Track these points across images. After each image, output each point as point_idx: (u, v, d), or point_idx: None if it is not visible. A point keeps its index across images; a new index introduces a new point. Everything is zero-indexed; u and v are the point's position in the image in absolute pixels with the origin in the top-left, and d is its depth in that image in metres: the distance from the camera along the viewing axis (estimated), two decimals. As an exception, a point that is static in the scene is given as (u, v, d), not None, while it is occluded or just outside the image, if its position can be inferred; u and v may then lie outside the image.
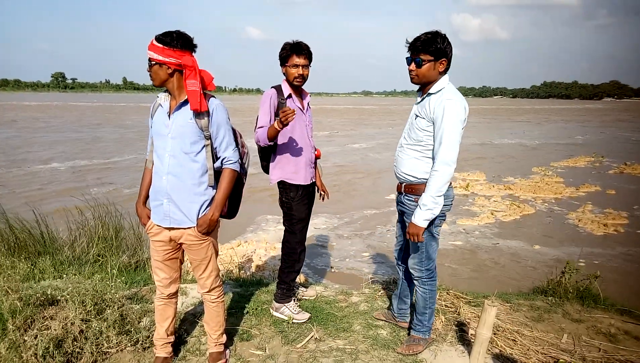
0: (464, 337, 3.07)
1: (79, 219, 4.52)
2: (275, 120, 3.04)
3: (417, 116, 2.64)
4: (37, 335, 2.59)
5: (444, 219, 2.74)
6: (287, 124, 2.80)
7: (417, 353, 2.86)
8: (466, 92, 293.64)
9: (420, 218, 2.54)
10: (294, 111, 2.73)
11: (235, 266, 5.04)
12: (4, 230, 4.18)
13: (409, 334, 3.05)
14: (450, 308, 3.52)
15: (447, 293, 3.75)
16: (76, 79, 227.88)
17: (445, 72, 2.57)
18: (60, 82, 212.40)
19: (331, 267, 5.81)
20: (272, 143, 3.05)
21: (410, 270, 2.89)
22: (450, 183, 2.65)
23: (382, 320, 3.31)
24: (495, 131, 29.69)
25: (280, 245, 3.34)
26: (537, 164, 15.14)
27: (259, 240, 6.77)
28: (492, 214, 8.59)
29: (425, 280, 2.84)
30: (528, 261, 6.29)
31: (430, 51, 2.49)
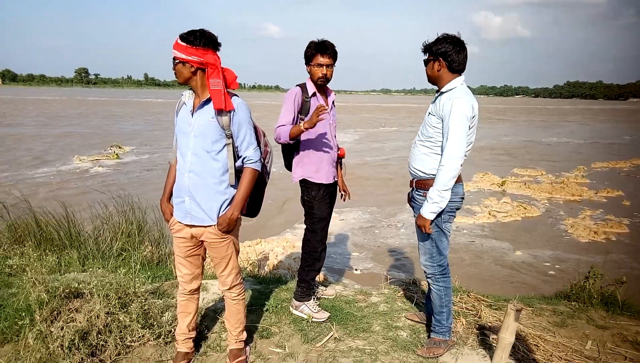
0: (485, 341, 3.02)
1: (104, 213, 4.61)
2: (299, 121, 3.04)
3: (429, 113, 2.76)
4: (63, 327, 2.65)
5: (454, 216, 2.81)
6: (313, 126, 2.86)
7: (437, 356, 2.83)
8: (487, 91, 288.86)
9: (427, 211, 2.66)
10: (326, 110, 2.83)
11: (250, 263, 5.06)
12: (31, 223, 4.30)
13: (429, 336, 3.03)
14: (471, 311, 3.48)
15: (467, 295, 3.71)
16: (99, 74, 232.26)
17: (452, 72, 2.64)
18: (83, 78, 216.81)
19: (352, 267, 5.78)
20: (292, 141, 3.05)
21: (423, 268, 2.93)
22: (461, 180, 2.73)
23: (415, 320, 3.30)
24: (543, 130, 30.18)
25: (299, 244, 3.35)
26: (580, 163, 15.00)
27: (280, 239, 6.81)
28: (490, 214, 8.48)
29: (439, 276, 2.86)
30: (492, 263, 6.20)
31: (430, 51, 2.68)
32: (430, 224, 2.70)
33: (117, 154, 14.86)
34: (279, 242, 6.57)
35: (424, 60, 2.75)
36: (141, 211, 4.59)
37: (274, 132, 3.06)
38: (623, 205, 9.70)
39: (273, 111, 39.91)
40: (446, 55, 2.62)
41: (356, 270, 5.68)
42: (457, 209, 2.79)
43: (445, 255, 2.83)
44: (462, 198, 2.79)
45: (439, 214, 2.69)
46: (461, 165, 2.60)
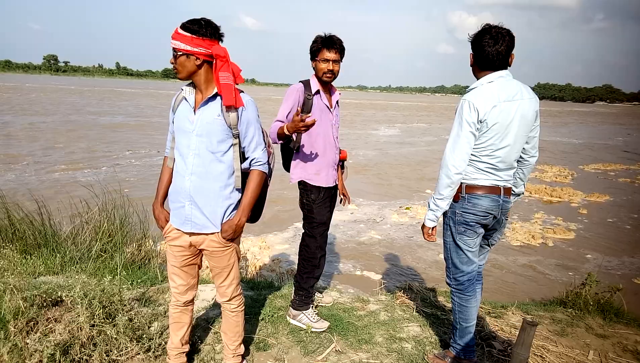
0: (491, 353, 2.93)
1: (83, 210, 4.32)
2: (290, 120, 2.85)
3: None
4: (40, 339, 2.41)
5: (473, 231, 2.50)
6: (304, 130, 2.61)
7: None
8: (460, 90, 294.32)
9: (426, 216, 2.58)
10: (311, 124, 2.55)
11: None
12: (2, 219, 3.98)
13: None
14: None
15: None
16: (69, 62, 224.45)
17: (480, 68, 2.43)
18: (52, 65, 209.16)
19: (339, 270, 5.61)
20: (281, 142, 2.88)
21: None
22: (491, 192, 2.43)
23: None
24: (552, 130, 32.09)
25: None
26: (587, 162, 16.00)
27: (257, 239, 6.49)
28: None
29: (454, 290, 2.67)
30: (414, 260, 6.14)
31: None
32: (446, 234, 2.60)
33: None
34: (254, 242, 6.24)
35: None
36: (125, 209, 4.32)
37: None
38: (581, 213, 8.98)
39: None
40: (473, 48, 2.41)
41: (358, 271, 5.50)
42: (482, 225, 2.50)
43: (462, 270, 2.59)
44: (490, 214, 2.46)
45: (454, 224, 2.52)
46: (457, 174, 2.37)
